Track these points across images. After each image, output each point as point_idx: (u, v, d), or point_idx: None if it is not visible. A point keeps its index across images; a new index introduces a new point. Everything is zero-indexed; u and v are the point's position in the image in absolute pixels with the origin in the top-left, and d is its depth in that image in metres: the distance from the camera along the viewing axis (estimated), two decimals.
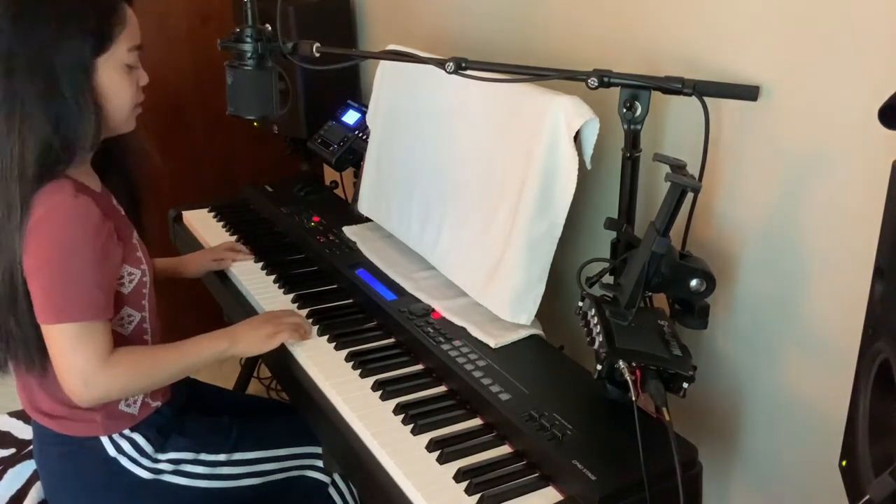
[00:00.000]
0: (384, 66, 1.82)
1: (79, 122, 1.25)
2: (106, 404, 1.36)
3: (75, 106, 1.25)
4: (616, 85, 1.24)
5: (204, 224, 2.08)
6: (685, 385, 1.12)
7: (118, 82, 1.31)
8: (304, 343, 1.47)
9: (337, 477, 1.57)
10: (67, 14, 1.24)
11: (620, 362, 1.10)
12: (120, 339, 1.35)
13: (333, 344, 1.47)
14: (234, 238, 1.98)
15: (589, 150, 1.35)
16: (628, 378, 1.09)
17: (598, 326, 1.16)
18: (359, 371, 1.39)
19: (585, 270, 1.28)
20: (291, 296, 1.67)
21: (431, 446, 1.19)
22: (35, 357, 1.30)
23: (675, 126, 1.37)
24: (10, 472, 1.77)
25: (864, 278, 0.88)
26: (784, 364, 1.27)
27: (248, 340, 1.43)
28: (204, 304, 1.82)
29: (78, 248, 1.25)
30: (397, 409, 1.28)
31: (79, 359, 1.25)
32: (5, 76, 1.23)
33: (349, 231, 1.87)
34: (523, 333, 1.41)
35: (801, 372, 1.24)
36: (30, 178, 1.23)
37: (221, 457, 1.47)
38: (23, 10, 1.24)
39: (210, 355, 1.40)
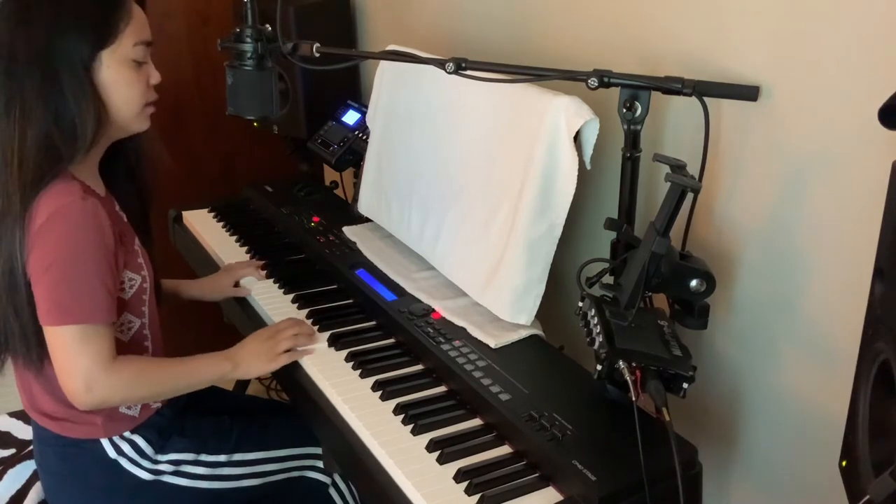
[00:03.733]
0: (384, 66, 1.82)
1: (78, 115, 1.25)
2: (106, 407, 1.35)
3: (74, 99, 1.25)
4: (616, 85, 1.24)
5: (204, 224, 2.08)
6: (685, 385, 1.12)
7: (125, 77, 1.30)
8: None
9: (337, 477, 1.57)
10: (67, 8, 1.24)
11: (620, 362, 1.10)
12: (120, 346, 1.34)
13: (334, 344, 1.47)
14: (233, 238, 1.98)
15: (589, 151, 1.35)
16: (628, 378, 1.09)
17: (598, 326, 1.16)
18: (359, 371, 1.39)
19: (585, 270, 1.28)
20: (291, 296, 1.67)
21: (431, 446, 1.19)
22: (34, 353, 1.30)
23: (675, 126, 1.37)
24: (10, 472, 1.76)
25: (864, 278, 0.88)
26: (784, 364, 1.27)
27: (249, 364, 1.42)
28: (204, 305, 1.82)
29: (85, 250, 1.24)
30: (397, 409, 1.28)
31: (82, 361, 1.25)
32: (5, 69, 1.23)
33: (349, 231, 1.87)
34: (523, 333, 1.41)
35: (801, 372, 1.24)
36: (30, 169, 1.23)
37: (222, 457, 1.47)
38: (23, 3, 1.24)
39: (212, 377, 1.40)
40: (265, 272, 1.77)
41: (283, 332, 1.45)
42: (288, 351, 1.43)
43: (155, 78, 1.36)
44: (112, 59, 1.28)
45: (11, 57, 1.23)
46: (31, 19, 1.23)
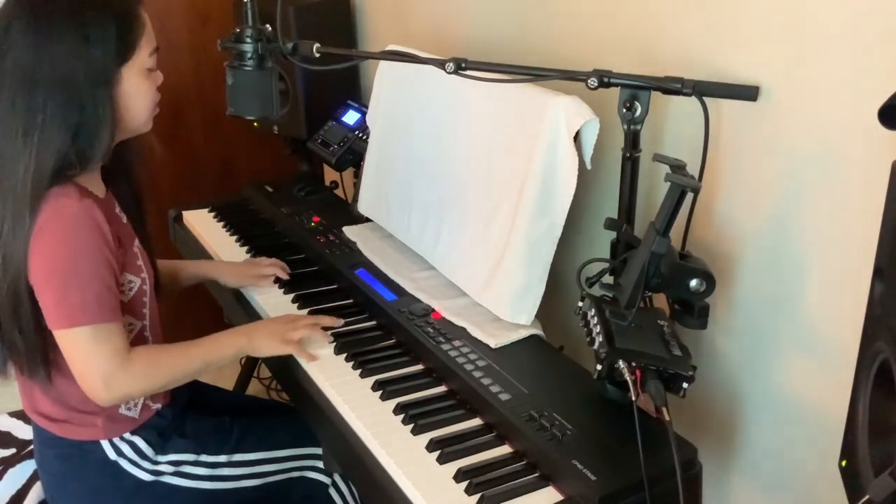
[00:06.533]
0: (384, 66, 1.82)
1: (96, 132, 1.24)
2: (106, 408, 1.35)
3: (95, 117, 1.24)
4: (616, 85, 1.24)
5: (204, 224, 2.08)
6: (685, 385, 1.12)
7: (142, 87, 1.30)
8: (304, 343, 1.46)
9: (337, 477, 1.57)
10: (89, 26, 1.22)
11: (620, 362, 1.10)
12: None
13: (333, 344, 1.47)
14: (233, 238, 1.98)
15: (589, 151, 1.35)
16: (628, 378, 1.09)
17: (598, 326, 1.17)
18: (359, 371, 1.39)
19: (585, 270, 1.28)
20: (291, 296, 1.67)
21: (431, 446, 1.19)
22: (40, 365, 1.30)
23: (675, 126, 1.37)
24: (10, 472, 1.77)
25: (864, 278, 0.88)
26: (784, 364, 1.27)
27: (262, 341, 1.42)
28: (204, 306, 1.82)
29: (86, 251, 1.24)
30: (397, 409, 1.28)
31: (99, 361, 1.25)
32: (28, 89, 1.21)
33: (349, 231, 1.87)
34: (523, 333, 1.41)
35: (801, 372, 1.24)
36: (41, 189, 1.22)
37: (222, 458, 1.47)
38: (45, 23, 1.21)
39: (229, 352, 1.40)
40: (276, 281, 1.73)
41: (303, 320, 1.47)
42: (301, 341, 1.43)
43: (160, 79, 1.36)
44: (131, 73, 1.28)
45: (34, 79, 1.21)
46: (53, 41, 1.21)
